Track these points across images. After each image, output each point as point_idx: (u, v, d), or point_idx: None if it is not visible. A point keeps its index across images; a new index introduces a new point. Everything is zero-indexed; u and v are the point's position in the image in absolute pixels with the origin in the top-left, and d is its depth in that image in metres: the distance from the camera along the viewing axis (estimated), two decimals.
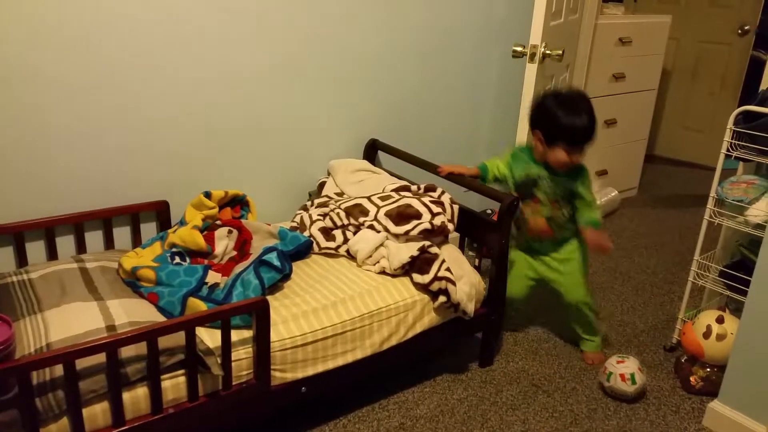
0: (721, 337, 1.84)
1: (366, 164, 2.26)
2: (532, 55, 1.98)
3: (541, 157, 1.93)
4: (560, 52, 2.01)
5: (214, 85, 1.97)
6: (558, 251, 2.04)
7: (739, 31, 3.80)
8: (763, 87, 1.99)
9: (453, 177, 2.05)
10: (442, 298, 1.76)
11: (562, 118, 1.82)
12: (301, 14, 2.08)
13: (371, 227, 1.87)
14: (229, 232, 1.83)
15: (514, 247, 2.11)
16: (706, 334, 1.86)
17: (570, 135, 1.83)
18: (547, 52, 2.00)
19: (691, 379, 1.94)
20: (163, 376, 1.37)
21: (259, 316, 1.44)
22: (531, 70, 1.99)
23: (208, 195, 1.88)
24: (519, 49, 2.00)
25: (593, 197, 1.96)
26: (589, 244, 1.96)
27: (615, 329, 2.27)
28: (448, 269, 1.77)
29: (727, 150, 1.87)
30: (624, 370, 1.85)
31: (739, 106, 1.87)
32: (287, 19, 2.05)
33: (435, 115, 2.60)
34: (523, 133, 2.06)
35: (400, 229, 1.82)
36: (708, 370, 1.91)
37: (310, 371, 1.59)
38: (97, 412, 1.31)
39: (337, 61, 2.22)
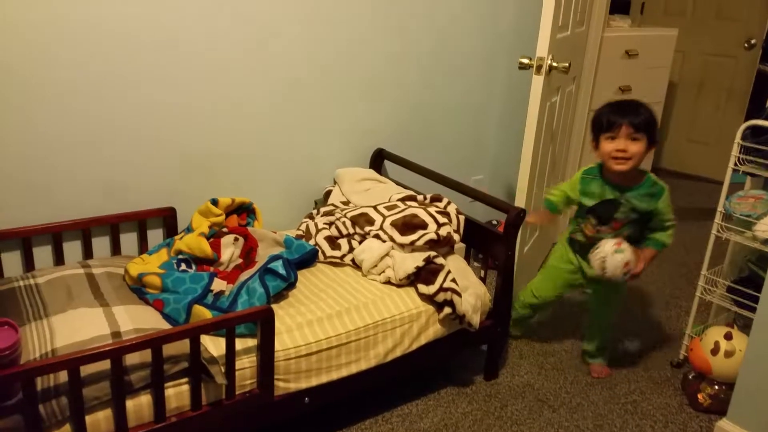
0: (729, 354, 1.82)
1: (372, 173, 2.26)
2: (539, 68, 1.98)
3: (607, 172, 1.83)
4: (567, 64, 2.01)
5: (222, 93, 1.98)
6: None
7: (746, 45, 3.80)
8: None
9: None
10: (447, 310, 1.75)
11: (602, 107, 1.78)
12: (310, 26, 2.09)
13: (377, 237, 1.86)
14: (236, 239, 1.83)
15: (561, 248, 2.02)
16: (714, 351, 1.84)
17: (606, 115, 1.75)
18: (554, 64, 2.00)
19: (699, 396, 1.92)
20: (166, 384, 1.37)
21: (263, 325, 1.43)
22: (537, 81, 2.00)
23: (215, 202, 1.88)
24: (526, 61, 2.01)
25: (671, 218, 1.85)
26: (637, 261, 1.81)
27: (622, 343, 2.25)
28: (453, 280, 1.76)
29: (735, 164, 1.86)
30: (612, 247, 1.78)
31: (745, 120, 1.87)
32: (296, 31, 2.07)
33: (441, 125, 2.61)
34: (529, 145, 2.06)
35: (406, 239, 1.82)
36: (716, 387, 1.89)
37: (314, 382, 1.58)
38: (100, 420, 1.31)
39: (344, 71, 2.23)
